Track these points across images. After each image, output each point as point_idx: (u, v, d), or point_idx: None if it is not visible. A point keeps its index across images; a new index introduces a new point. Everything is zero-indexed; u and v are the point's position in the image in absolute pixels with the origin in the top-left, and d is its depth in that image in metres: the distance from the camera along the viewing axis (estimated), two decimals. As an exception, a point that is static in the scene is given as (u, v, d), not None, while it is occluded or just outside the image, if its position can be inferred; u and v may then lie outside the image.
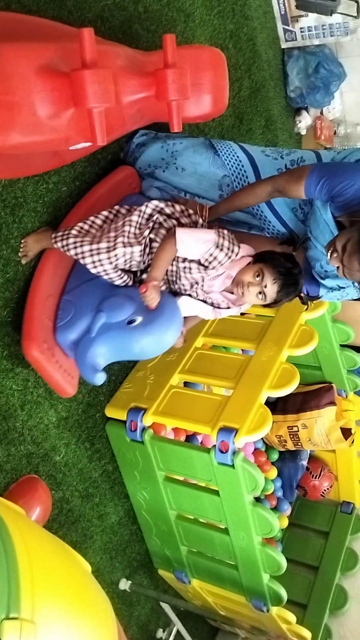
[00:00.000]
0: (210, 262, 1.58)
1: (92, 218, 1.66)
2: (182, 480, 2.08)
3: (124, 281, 1.66)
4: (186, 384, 2.17)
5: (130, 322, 1.58)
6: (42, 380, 1.71)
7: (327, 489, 2.95)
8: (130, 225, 1.60)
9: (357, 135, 3.50)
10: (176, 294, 1.72)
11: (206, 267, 1.60)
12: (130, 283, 1.69)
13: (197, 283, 1.65)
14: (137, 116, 1.63)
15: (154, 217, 1.63)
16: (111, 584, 2.23)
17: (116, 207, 1.70)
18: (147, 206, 1.63)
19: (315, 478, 2.92)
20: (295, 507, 3.05)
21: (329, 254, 1.51)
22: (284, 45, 3.10)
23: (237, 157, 1.86)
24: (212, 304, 1.71)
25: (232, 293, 1.66)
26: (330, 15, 2.87)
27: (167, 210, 1.65)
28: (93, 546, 2.09)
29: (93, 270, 1.60)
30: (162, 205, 1.65)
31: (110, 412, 2.04)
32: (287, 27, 3.02)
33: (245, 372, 1.97)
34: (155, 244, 1.61)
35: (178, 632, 2.49)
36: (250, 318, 2.22)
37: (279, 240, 1.81)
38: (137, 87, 1.49)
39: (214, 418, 1.84)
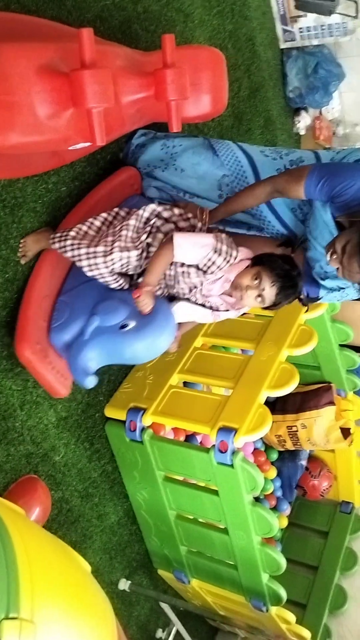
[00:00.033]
0: (209, 267, 1.57)
1: (90, 220, 1.66)
2: (182, 480, 2.08)
3: (120, 285, 1.66)
4: (185, 383, 2.17)
5: (123, 326, 1.57)
6: (41, 381, 1.72)
7: (327, 488, 2.95)
8: (127, 230, 1.59)
9: (356, 136, 3.50)
10: (174, 298, 1.72)
11: (205, 272, 1.59)
12: (127, 286, 1.68)
13: (195, 287, 1.64)
14: (137, 116, 1.63)
15: (152, 221, 1.62)
16: (110, 584, 2.23)
17: (115, 209, 1.70)
18: (144, 210, 1.63)
19: (315, 478, 2.92)
20: (294, 507, 3.05)
21: (328, 255, 1.50)
22: (282, 46, 3.11)
23: (236, 157, 1.86)
24: (211, 308, 1.71)
25: (231, 296, 1.66)
26: (329, 15, 2.87)
27: (165, 214, 1.64)
28: (92, 546, 2.09)
29: (89, 274, 1.60)
30: (159, 209, 1.64)
31: (109, 412, 2.04)
32: (286, 27, 3.02)
33: (244, 372, 1.97)
34: (152, 249, 1.61)
35: (177, 632, 2.48)
36: (250, 318, 2.22)
37: (278, 241, 1.80)
38: (137, 87, 1.49)
39: (214, 418, 1.84)
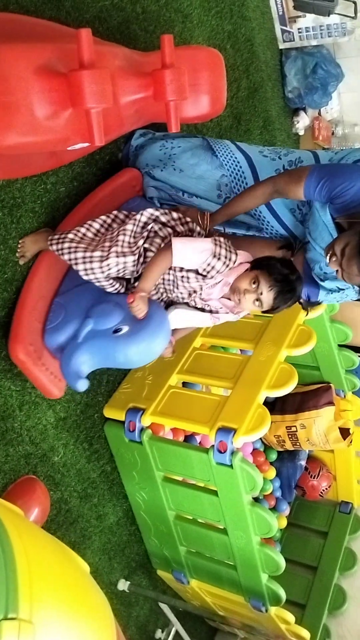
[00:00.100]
0: (208, 272, 1.57)
1: (89, 222, 1.65)
2: (181, 480, 2.08)
3: (116, 289, 1.66)
4: (185, 384, 2.17)
5: (116, 330, 1.57)
6: (40, 381, 1.71)
7: (326, 489, 2.95)
8: (124, 235, 1.58)
9: (355, 136, 3.50)
10: (172, 303, 1.72)
11: (204, 276, 1.58)
12: (123, 290, 1.68)
13: (195, 292, 1.63)
14: (135, 116, 1.64)
15: (149, 226, 1.61)
16: (110, 584, 2.23)
17: (114, 212, 1.69)
18: (142, 214, 1.62)
19: (314, 478, 2.93)
20: (293, 507, 3.06)
21: (327, 257, 1.50)
22: (281, 46, 3.11)
23: (235, 158, 1.86)
24: (210, 311, 1.70)
25: (230, 299, 1.65)
26: (328, 15, 2.88)
27: (163, 219, 1.63)
28: (91, 547, 2.09)
29: (85, 277, 1.60)
30: (157, 213, 1.63)
31: (108, 412, 2.04)
32: (285, 27, 3.02)
33: (243, 372, 1.97)
34: (149, 254, 1.60)
35: (177, 632, 2.49)
36: (249, 318, 2.22)
37: (278, 243, 1.80)
38: (135, 87, 1.49)
39: (213, 418, 1.84)
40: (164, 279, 1.62)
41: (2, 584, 0.76)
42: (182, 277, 1.60)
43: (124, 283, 1.69)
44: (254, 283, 1.55)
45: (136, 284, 1.60)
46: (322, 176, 1.53)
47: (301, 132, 3.42)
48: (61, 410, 1.87)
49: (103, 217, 1.67)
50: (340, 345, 2.53)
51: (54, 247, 1.60)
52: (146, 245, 1.60)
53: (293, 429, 2.63)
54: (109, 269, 1.57)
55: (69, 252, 1.58)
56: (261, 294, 1.55)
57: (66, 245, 1.58)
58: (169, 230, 1.63)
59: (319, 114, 3.42)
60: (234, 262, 1.58)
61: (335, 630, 2.77)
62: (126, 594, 2.27)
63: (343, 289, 1.74)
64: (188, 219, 1.67)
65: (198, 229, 1.67)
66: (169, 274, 1.61)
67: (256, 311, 1.65)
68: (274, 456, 2.86)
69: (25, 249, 1.66)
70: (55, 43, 1.32)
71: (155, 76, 1.44)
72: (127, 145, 2.01)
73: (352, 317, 2.68)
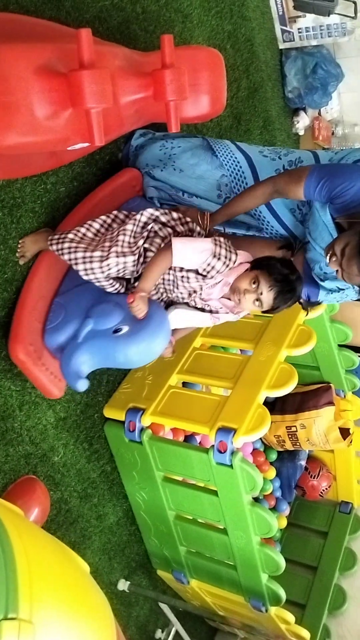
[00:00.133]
0: (208, 272, 1.57)
1: (89, 222, 1.65)
2: (181, 480, 2.08)
3: (116, 289, 1.66)
4: (185, 384, 2.17)
5: (116, 330, 1.57)
6: (40, 381, 1.71)
7: (326, 489, 2.95)
8: (124, 235, 1.58)
9: (355, 136, 3.50)
10: (172, 303, 1.71)
11: (204, 277, 1.58)
12: (123, 290, 1.68)
13: (195, 292, 1.63)
14: (135, 116, 1.64)
15: (149, 226, 1.61)
16: (110, 584, 2.23)
17: (114, 212, 1.69)
18: (142, 214, 1.62)
19: (314, 478, 2.93)
20: (293, 507, 3.06)
21: (327, 257, 1.50)
22: (281, 46, 3.11)
23: (235, 158, 1.86)
24: (210, 311, 1.70)
25: (230, 299, 1.65)
26: (328, 15, 2.88)
27: (163, 219, 1.63)
28: (91, 547, 2.09)
29: (85, 277, 1.60)
30: (157, 213, 1.63)
31: (108, 412, 2.04)
32: (285, 27, 3.02)
33: (243, 372, 1.97)
34: (149, 254, 1.60)
35: (177, 632, 2.49)
36: (249, 318, 2.22)
37: (278, 243, 1.80)
38: (135, 87, 1.49)
39: (213, 418, 1.84)
40: (164, 278, 1.62)
41: (2, 584, 0.76)
42: (182, 277, 1.60)
43: (124, 283, 1.68)
44: (254, 283, 1.55)
45: (136, 284, 1.60)
46: (322, 176, 1.53)
47: (301, 132, 3.42)
48: (61, 410, 1.87)
49: (103, 217, 1.67)
50: (340, 345, 2.53)
51: (54, 247, 1.60)
52: (146, 245, 1.60)
53: (293, 429, 2.63)
54: (109, 269, 1.57)
55: (69, 252, 1.58)
56: (261, 294, 1.55)
57: (66, 245, 1.58)
58: (169, 230, 1.63)
59: (319, 114, 3.43)
60: (234, 262, 1.58)
61: (335, 630, 2.77)
62: (126, 594, 2.27)
63: (343, 289, 1.74)
64: (188, 219, 1.67)
65: (198, 229, 1.67)
66: (169, 274, 1.61)
67: (256, 311, 1.65)
68: (274, 456, 2.86)
69: (25, 249, 1.66)
70: (55, 43, 1.32)
71: (155, 76, 1.44)
72: (127, 145, 2.01)
73: (352, 317, 2.68)
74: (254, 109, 2.90)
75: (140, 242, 1.59)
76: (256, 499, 2.66)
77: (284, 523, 2.90)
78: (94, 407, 2.02)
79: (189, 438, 2.21)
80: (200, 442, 2.24)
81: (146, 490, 2.11)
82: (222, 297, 1.65)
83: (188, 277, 1.60)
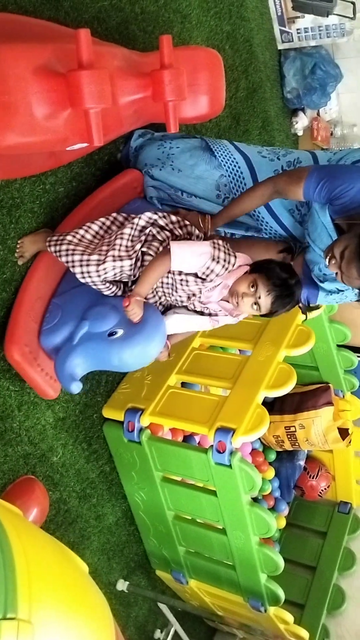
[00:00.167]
0: (207, 275, 1.56)
1: (88, 224, 1.65)
2: (180, 480, 2.09)
3: (113, 292, 1.66)
4: (183, 384, 2.17)
5: (111, 334, 1.56)
6: (39, 381, 1.71)
7: (325, 489, 2.95)
8: (122, 238, 1.58)
9: (354, 136, 3.50)
10: (171, 307, 1.71)
11: (203, 280, 1.58)
12: (120, 293, 1.68)
13: (194, 295, 1.63)
14: (134, 117, 1.64)
15: (147, 230, 1.61)
16: (109, 584, 2.23)
17: (114, 214, 1.69)
18: (140, 218, 1.61)
19: (313, 478, 2.93)
20: (292, 507, 3.06)
21: (327, 260, 1.50)
22: (280, 47, 3.11)
23: (234, 158, 1.86)
24: (209, 314, 1.70)
25: (229, 302, 1.65)
26: (327, 16, 2.88)
27: (161, 222, 1.63)
28: (90, 547, 2.09)
29: (81, 280, 1.59)
30: (155, 217, 1.63)
31: (107, 412, 2.04)
32: (283, 28, 3.02)
33: (242, 372, 1.97)
34: (147, 257, 1.59)
35: (176, 632, 2.49)
36: (248, 318, 2.22)
37: (278, 245, 1.79)
38: (134, 87, 1.49)
39: (212, 418, 1.84)
40: (162, 282, 1.62)
41: (1, 584, 0.76)
42: (181, 280, 1.60)
43: (121, 286, 1.68)
44: (252, 286, 1.54)
45: (133, 287, 1.60)
46: (321, 177, 1.53)
47: (300, 133, 3.42)
48: (60, 411, 1.87)
49: (102, 219, 1.67)
50: (339, 346, 2.53)
51: (52, 249, 1.60)
52: (144, 249, 1.60)
53: (292, 429, 2.63)
54: (106, 273, 1.57)
55: (67, 255, 1.57)
56: (259, 297, 1.54)
57: (64, 247, 1.58)
58: (167, 233, 1.63)
59: (318, 114, 3.43)
60: (233, 265, 1.58)
61: (334, 630, 2.77)
62: (125, 594, 2.27)
63: (342, 290, 1.74)
64: (187, 222, 1.66)
65: (197, 232, 1.66)
66: (167, 277, 1.60)
67: (255, 314, 1.64)
68: (272, 456, 2.86)
69: (24, 249, 1.66)
70: (54, 43, 1.32)
71: (154, 76, 1.44)
72: (126, 146, 2.01)
73: (351, 317, 2.69)
74: (252, 110, 2.91)
75: (138, 246, 1.58)
76: (255, 499, 2.66)
77: (282, 523, 2.90)
78: (92, 407, 2.02)
79: (187, 438, 2.22)
80: (199, 442, 2.24)
81: (145, 490, 2.11)
82: (221, 299, 1.64)
83: (187, 281, 1.59)
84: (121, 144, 2.01)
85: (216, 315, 1.69)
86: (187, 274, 1.59)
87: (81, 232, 1.63)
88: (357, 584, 2.88)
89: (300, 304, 1.70)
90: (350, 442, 2.67)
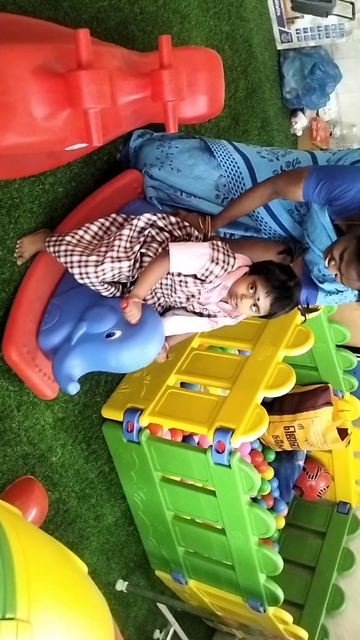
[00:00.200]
0: (206, 277, 1.56)
1: (87, 224, 1.64)
2: (179, 480, 2.09)
3: (111, 293, 1.65)
4: (183, 384, 2.17)
5: (109, 335, 1.56)
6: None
7: (324, 489, 2.95)
8: (120, 239, 1.58)
9: (353, 137, 3.51)
10: (170, 308, 1.71)
11: (203, 281, 1.57)
12: (118, 294, 1.67)
13: (193, 296, 1.63)
14: (133, 117, 1.64)
15: (146, 231, 1.61)
16: (108, 584, 2.23)
17: (113, 215, 1.68)
18: (139, 219, 1.61)
19: (312, 478, 2.93)
20: (291, 508, 3.06)
21: (326, 261, 1.50)
22: (279, 47, 3.11)
23: (233, 159, 1.86)
24: (208, 315, 1.70)
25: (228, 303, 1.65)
26: (326, 16, 2.88)
27: (160, 223, 1.63)
28: (89, 547, 2.09)
29: (80, 281, 1.59)
30: (155, 218, 1.62)
31: (106, 412, 2.04)
32: (282, 28, 3.03)
33: (241, 372, 1.97)
34: (146, 258, 1.59)
35: (175, 632, 2.49)
36: (247, 318, 2.22)
37: (278, 247, 1.79)
38: (133, 88, 1.49)
39: (211, 418, 1.85)
40: (161, 283, 1.62)
41: (0, 584, 0.76)
42: (180, 281, 1.60)
43: (120, 287, 1.68)
44: (251, 288, 1.54)
45: (132, 288, 1.59)
46: (320, 178, 1.53)
47: (299, 133, 3.42)
48: (59, 411, 1.87)
49: (101, 220, 1.67)
50: (338, 346, 2.53)
51: (51, 249, 1.60)
52: (143, 250, 1.60)
53: (291, 429, 2.63)
54: (104, 274, 1.57)
55: (65, 255, 1.57)
56: (258, 299, 1.54)
57: (63, 247, 1.58)
58: (166, 234, 1.63)
59: (317, 114, 3.43)
60: (232, 266, 1.58)
61: (334, 631, 2.77)
62: (124, 594, 2.27)
63: (342, 291, 1.75)
64: (186, 223, 1.66)
65: (196, 233, 1.66)
66: (166, 278, 1.60)
67: (254, 315, 1.64)
68: (272, 456, 2.86)
69: (23, 250, 1.66)
70: (53, 43, 1.32)
71: (153, 76, 1.44)
72: (125, 147, 2.01)
73: (350, 317, 2.68)
74: (252, 110, 2.91)
75: (137, 247, 1.58)
76: (254, 499, 2.66)
77: (282, 523, 2.90)
78: (92, 408, 2.02)
79: (187, 438, 2.22)
80: (198, 443, 2.24)
81: (144, 490, 2.11)
82: (220, 300, 1.64)
83: (186, 282, 1.59)
84: (120, 144, 2.01)
85: (215, 316, 1.69)
86: (186, 275, 1.58)
87: (80, 232, 1.63)
88: (356, 584, 2.88)
89: (300, 306, 1.70)
90: (349, 442, 2.67)
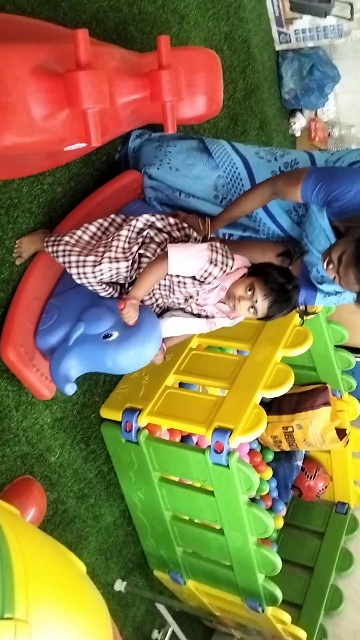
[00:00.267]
0: (205, 278, 1.56)
1: (86, 225, 1.64)
2: (178, 480, 2.09)
3: (109, 293, 1.65)
4: (181, 384, 2.17)
5: (107, 336, 1.56)
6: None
7: (322, 489, 2.95)
8: (119, 240, 1.58)
9: (351, 137, 3.51)
10: (168, 309, 1.71)
11: (201, 282, 1.57)
12: (116, 295, 1.67)
13: (191, 297, 1.63)
14: (132, 117, 1.64)
15: (145, 232, 1.60)
16: (106, 585, 2.23)
17: (112, 215, 1.68)
18: (138, 220, 1.61)
19: (311, 478, 2.93)
20: (290, 508, 3.06)
21: (324, 264, 1.50)
22: (278, 47, 3.12)
23: (231, 159, 1.87)
24: (207, 317, 1.69)
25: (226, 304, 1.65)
26: (325, 17, 2.88)
27: (159, 224, 1.63)
28: (88, 547, 2.09)
29: (78, 281, 1.59)
30: (153, 219, 1.62)
31: (105, 412, 2.04)
32: (281, 29, 3.03)
33: (240, 372, 1.97)
34: (144, 259, 1.59)
35: (173, 633, 2.49)
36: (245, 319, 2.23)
37: (277, 248, 1.79)
38: (132, 88, 1.49)
39: (209, 418, 1.85)
40: (160, 284, 1.62)
41: (-2, 584, 0.76)
42: (179, 282, 1.60)
43: (118, 287, 1.68)
44: (249, 290, 1.54)
45: (130, 289, 1.59)
46: (319, 179, 1.52)
47: (298, 134, 3.43)
48: (58, 411, 1.87)
49: (100, 221, 1.66)
50: (336, 346, 2.54)
51: (50, 249, 1.60)
52: (141, 251, 1.59)
53: (290, 429, 2.63)
54: (102, 275, 1.57)
55: (64, 255, 1.57)
56: (256, 301, 1.54)
57: (61, 247, 1.58)
58: (165, 235, 1.63)
59: (316, 115, 3.43)
60: (231, 268, 1.57)
61: (332, 631, 2.77)
62: (123, 594, 2.27)
63: (340, 292, 1.75)
64: (185, 225, 1.66)
65: (195, 234, 1.66)
66: (165, 279, 1.60)
67: (251, 317, 1.64)
68: (270, 456, 2.86)
69: (22, 250, 1.66)
70: (52, 44, 1.32)
71: (152, 77, 1.44)
72: (124, 147, 2.01)
73: (349, 318, 2.69)
74: (250, 110, 2.91)
75: (135, 248, 1.58)
76: (253, 500, 2.66)
77: (280, 523, 2.91)
78: (90, 408, 2.02)
79: (185, 438, 2.22)
80: (196, 443, 2.24)
81: (143, 490, 2.11)
82: (218, 301, 1.64)
83: (185, 283, 1.59)
84: (119, 144, 2.02)
85: (213, 317, 1.69)
86: (184, 277, 1.58)
87: (79, 233, 1.63)
88: (354, 585, 2.89)
89: (298, 308, 1.70)
90: (347, 443, 2.67)
